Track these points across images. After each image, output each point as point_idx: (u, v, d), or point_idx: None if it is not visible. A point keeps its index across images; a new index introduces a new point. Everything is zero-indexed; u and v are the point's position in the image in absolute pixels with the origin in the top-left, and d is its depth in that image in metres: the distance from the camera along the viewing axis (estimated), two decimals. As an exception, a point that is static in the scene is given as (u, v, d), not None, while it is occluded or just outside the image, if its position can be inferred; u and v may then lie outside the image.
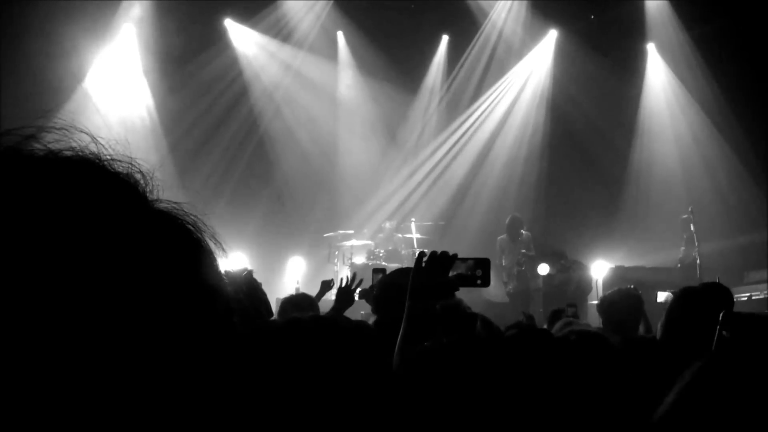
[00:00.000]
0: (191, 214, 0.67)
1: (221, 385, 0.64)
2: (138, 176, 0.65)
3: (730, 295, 3.57)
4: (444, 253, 2.49)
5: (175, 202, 0.66)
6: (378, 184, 14.94)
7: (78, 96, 12.87)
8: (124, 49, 13.62)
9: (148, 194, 0.65)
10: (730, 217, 12.85)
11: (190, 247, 0.65)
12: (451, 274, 2.47)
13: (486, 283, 2.52)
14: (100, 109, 13.18)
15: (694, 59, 13.82)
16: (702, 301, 3.41)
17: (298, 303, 4.77)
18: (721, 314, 2.33)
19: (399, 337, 2.40)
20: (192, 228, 0.66)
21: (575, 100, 14.13)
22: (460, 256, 2.51)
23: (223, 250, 0.69)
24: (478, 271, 2.52)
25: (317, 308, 4.79)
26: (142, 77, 13.88)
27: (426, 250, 2.53)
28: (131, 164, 0.64)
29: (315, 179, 14.72)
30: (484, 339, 3.52)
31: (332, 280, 5.90)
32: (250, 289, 4.39)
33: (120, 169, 0.64)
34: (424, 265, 2.48)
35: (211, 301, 0.64)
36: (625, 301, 4.54)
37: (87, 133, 0.64)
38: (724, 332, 2.27)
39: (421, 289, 2.45)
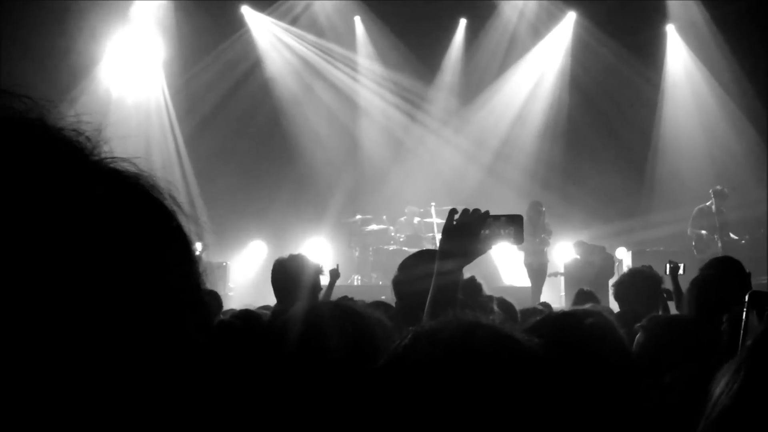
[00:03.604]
0: (146, 172, 0.60)
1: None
2: (82, 138, 0.58)
3: (734, 264, 3.60)
4: (476, 211, 2.36)
5: (126, 159, 0.60)
6: (398, 168, 14.87)
7: (92, 82, 12.94)
8: (140, 36, 13.66)
9: (95, 154, 0.58)
10: (755, 200, 12.64)
11: (146, 206, 0.59)
12: (483, 232, 2.36)
13: (519, 240, 2.38)
14: (114, 95, 13.24)
15: (715, 39, 13.59)
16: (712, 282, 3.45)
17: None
18: (747, 295, 2.25)
19: (427, 302, 2.30)
20: (147, 187, 0.60)
21: (595, 82, 13.96)
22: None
23: (183, 212, 0.62)
24: (511, 228, 2.39)
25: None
26: (158, 65, 13.95)
27: (457, 208, 2.42)
28: (76, 128, 0.58)
29: (335, 164, 14.68)
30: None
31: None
32: None
33: (65, 133, 0.58)
34: (455, 223, 2.38)
35: (166, 277, 0.58)
36: (638, 280, 4.53)
37: (30, 98, 0.57)
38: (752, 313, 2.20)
39: (453, 248, 2.35)
